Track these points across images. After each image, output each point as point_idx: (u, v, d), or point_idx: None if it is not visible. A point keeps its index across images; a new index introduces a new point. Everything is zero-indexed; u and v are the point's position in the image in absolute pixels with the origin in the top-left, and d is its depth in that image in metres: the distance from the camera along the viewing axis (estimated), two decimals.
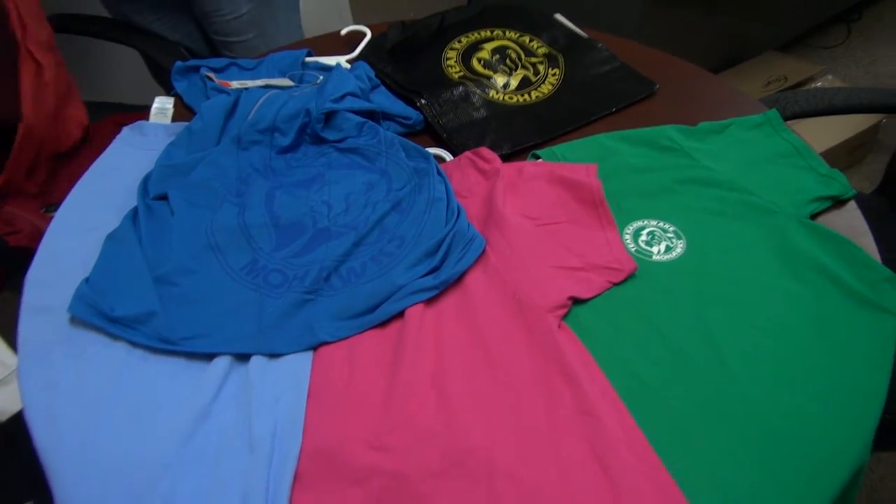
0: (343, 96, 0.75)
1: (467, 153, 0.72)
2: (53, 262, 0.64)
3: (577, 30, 0.94)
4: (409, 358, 0.54)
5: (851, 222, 0.67)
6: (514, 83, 0.86)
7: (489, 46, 0.91)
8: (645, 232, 0.65)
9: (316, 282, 0.61)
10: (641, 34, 1.55)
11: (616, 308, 0.59)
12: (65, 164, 1.02)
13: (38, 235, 0.67)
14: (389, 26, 0.93)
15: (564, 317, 0.57)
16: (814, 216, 0.67)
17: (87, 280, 0.60)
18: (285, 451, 0.50)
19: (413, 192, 0.68)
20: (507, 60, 0.89)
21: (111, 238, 0.64)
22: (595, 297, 0.59)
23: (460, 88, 0.83)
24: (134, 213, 0.67)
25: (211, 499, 0.48)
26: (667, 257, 0.63)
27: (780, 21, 1.92)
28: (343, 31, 0.95)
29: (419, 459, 0.49)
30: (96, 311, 0.58)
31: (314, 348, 0.57)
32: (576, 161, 0.72)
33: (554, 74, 0.88)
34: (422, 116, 0.81)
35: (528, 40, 0.93)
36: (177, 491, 0.48)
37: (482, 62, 0.89)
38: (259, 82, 0.83)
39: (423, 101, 0.81)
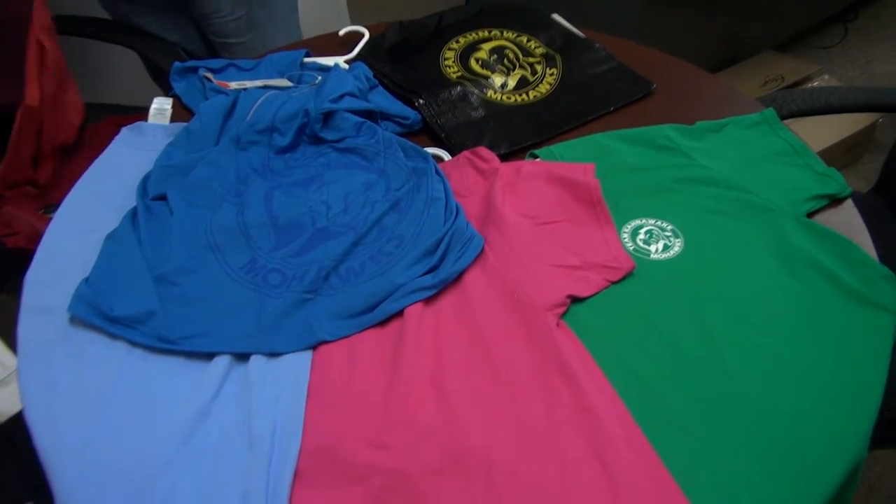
0: (341, 96, 0.75)
1: (465, 153, 0.73)
2: (53, 263, 0.64)
3: (575, 30, 0.95)
4: (408, 356, 0.54)
5: (848, 220, 0.67)
6: (511, 83, 0.86)
7: (487, 46, 0.92)
8: (643, 231, 0.65)
9: (315, 281, 0.61)
10: (639, 34, 1.56)
11: (614, 306, 0.59)
12: (65, 163, 1.02)
13: (36, 237, 0.67)
14: (387, 27, 0.93)
15: (563, 315, 0.58)
16: (811, 214, 0.67)
17: (86, 280, 0.60)
18: (285, 450, 0.50)
19: (411, 191, 0.68)
20: (505, 60, 0.90)
21: (110, 238, 0.64)
22: (593, 295, 0.60)
23: (458, 88, 0.83)
24: (133, 213, 0.67)
25: (211, 497, 0.48)
26: (664, 256, 0.63)
27: (778, 21, 1.92)
28: (341, 32, 0.95)
29: (419, 457, 0.49)
30: (96, 311, 0.58)
31: (314, 347, 0.58)
32: (574, 160, 0.72)
33: (552, 74, 0.88)
34: (420, 116, 0.81)
35: (525, 40, 0.93)
36: (177, 489, 0.48)
37: (480, 62, 0.89)
38: (257, 83, 0.83)
39: (421, 101, 0.81)
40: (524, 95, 0.85)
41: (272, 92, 0.79)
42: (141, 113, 0.82)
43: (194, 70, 0.87)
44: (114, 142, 0.78)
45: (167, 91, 0.87)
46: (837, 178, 0.69)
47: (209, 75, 0.85)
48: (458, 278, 0.60)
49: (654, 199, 0.68)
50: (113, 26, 1.21)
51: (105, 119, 1.10)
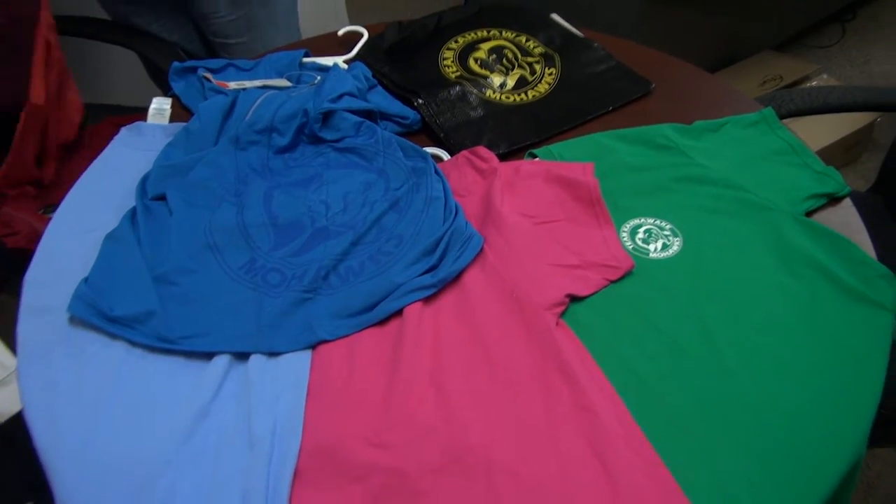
0: (340, 96, 0.75)
1: (464, 152, 0.73)
2: (52, 263, 0.64)
3: (574, 29, 0.95)
4: (407, 356, 0.54)
5: (846, 219, 0.68)
6: (510, 83, 0.87)
7: (486, 46, 0.92)
8: (642, 230, 0.65)
9: (314, 281, 0.61)
10: (637, 34, 1.56)
11: (613, 305, 0.59)
12: (65, 164, 1.02)
13: (35, 237, 0.67)
14: (386, 27, 0.93)
15: (562, 314, 0.58)
16: (809, 213, 0.67)
17: (86, 280, 0.60)
18: (285, 449, 0.50)
19: (411, 191, 0.68)
20: (504, 60, 0.90)
21: (110, 238, 0.64)
22: (592, 294, 0.60)
23: (457, 88, 0.83)
24: (132, 213, 0.67)
25: (211, 497, 0.48)
26: (663, 255, 0.63)
27: (776, 21, 1.92)
28: (340, 32, 0.95)
29: (418, 456, 0.49)
30: (95, 311, 0.58)
31: (313, 347, 0.58)
32: (572, 160, 0.72)
33: (550, 74, 0.88)
34: (419, 116, 0.81)
35: (524, 40, 0.93)
36: (177, 489, 0.48)
37: (479, 62, 0.89)
38: (257, 83, 0.83)
39: (420, 101, 0.81)
40: (523, 95, 0.85)
41: (271, 92, 0.79)
42: (140, 113, 0.82)
43: (193, 70, 0.87)
44: (113, 142, 0.78)
45: (166, 91, 0.87)
46: (836, 177, 0.69)
47: (208, 75, 0.85)
48: (457, 278, 0.60)
49: (652, 198, 0.68)
50: (112, 26, 1.21)
51: (104, 119, 1.10)
